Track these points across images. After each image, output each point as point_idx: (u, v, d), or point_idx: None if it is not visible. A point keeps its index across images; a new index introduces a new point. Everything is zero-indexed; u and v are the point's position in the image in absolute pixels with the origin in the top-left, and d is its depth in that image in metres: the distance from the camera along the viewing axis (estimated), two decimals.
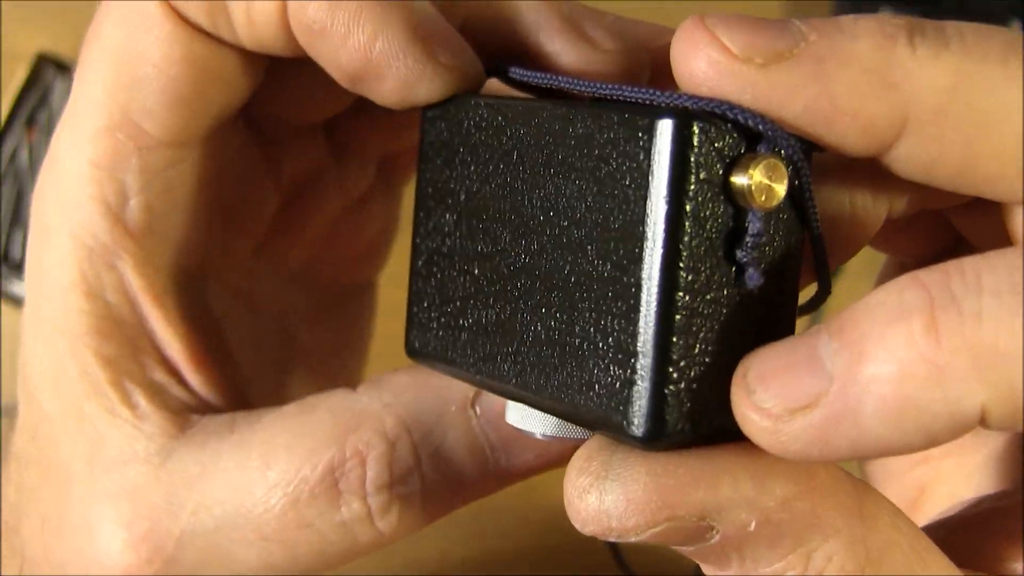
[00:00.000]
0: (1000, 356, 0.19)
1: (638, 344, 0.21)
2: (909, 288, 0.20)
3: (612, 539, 0.22)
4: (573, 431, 0.25)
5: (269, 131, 0.32)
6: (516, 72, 0.26)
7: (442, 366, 0.26)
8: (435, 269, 0.26)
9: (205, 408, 0.29)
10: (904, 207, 0.25)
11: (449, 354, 0.25)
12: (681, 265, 0.21)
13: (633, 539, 0.22)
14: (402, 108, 0.26)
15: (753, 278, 0.22)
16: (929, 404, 0.20)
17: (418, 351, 0.26)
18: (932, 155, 0.21)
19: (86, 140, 0.27)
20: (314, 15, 0.25)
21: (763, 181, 0.21)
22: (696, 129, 0.21)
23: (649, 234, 0.21)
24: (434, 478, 0.27)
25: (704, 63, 0.21)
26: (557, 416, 0.24)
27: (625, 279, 0.21)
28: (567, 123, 0.23)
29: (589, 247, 0.22)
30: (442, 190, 0.26)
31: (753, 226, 0.22)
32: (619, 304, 0.21)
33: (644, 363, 0.21)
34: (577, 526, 0.22)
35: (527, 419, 0.25)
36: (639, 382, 0.21)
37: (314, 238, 0.34)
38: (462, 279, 0.25)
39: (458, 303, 0.25)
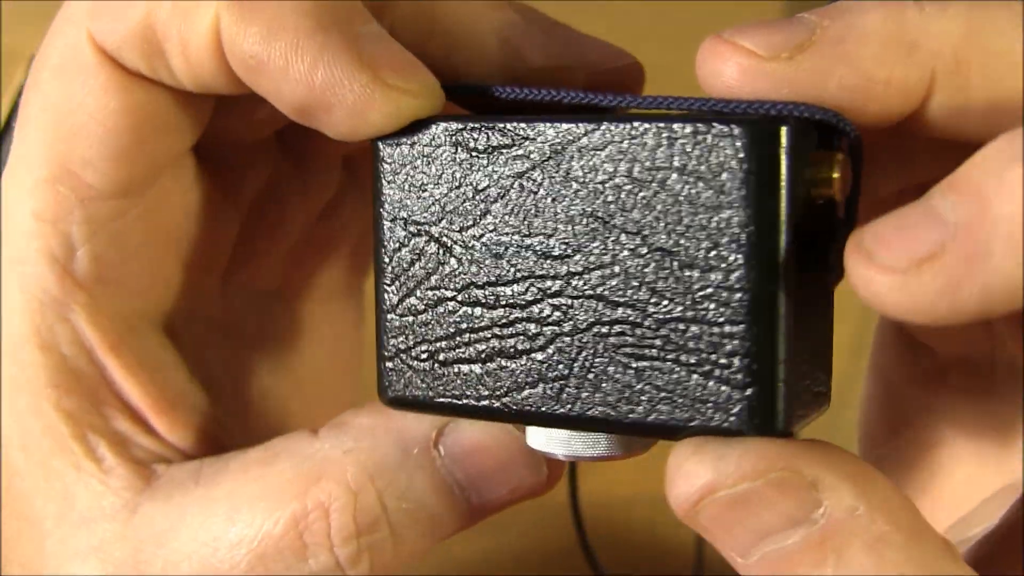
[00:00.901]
0: None
1: (748, 348, 0.22)
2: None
3: (721, 495, 0.22)
4: (601, 449, 0.25)
5: (220, 155, 0.31)
6: (500, 90, 0.26)
7: (447, 408, 0.25)
8: (427, 305, 0.25)
9: (174, 454, 0.29)
10: (890, 184, 0.26)
11: (461, 392, 0.25)
12: (782, 266, 0.22)
13: (742, 488, 0.22)
14: (357, 139, 0.25)
15: (834, 270, 0.23)
16: None
17: (406, 398, 0.25)
18: (961, 103, 0.23)
19: (27, 193, 0.27)
20: (250, 49, 0.24)
21: (840, 175, 0.22)
22: (784, 132, 0.21)
23: (750, 240, 0.22)
24: (403, 522, 0.26)
25: (735, 70, 0.22)
26: (640, 433, 0.24)
27: (727, 285, 0.22)
28: (622, 139, 0.23)
29: (670, 259, 0.22)
30: (424, 221, 0.25)
31: (835, 220, 0.23)
32: (721, 310, 0.22)
33: (756, 366, 0.22)
34: (680, 483, 0.22)
35: (552, 442, 0.25)
36: (753, 386, 0.22)
37: (284, 252, 0.34)
38: (475, 311, 0.24)
39: (471, 336, 0.24)
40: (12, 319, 0.27)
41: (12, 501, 0.28)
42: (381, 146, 0.25)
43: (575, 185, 0.23)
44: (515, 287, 0.24)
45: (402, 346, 0.25)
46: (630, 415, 0.23)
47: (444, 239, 0.25)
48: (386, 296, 0.25)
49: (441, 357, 0.25)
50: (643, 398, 0.23)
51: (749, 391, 0.22)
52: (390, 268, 0.25)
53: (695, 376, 0.22)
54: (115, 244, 0.28)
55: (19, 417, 0.28)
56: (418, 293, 0.25)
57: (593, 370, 0.23)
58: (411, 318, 0.25)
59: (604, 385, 0.23)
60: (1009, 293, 0.20)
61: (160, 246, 0.29)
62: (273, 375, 0.34)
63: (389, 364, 0.25)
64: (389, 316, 0.25)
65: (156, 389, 0.29)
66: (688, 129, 0.22)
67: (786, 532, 0.22)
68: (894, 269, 0.20)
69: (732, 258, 0.22)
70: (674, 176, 0.22)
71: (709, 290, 0.22)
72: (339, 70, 0.24)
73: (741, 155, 0.22)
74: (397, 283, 0.25)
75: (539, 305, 0.24)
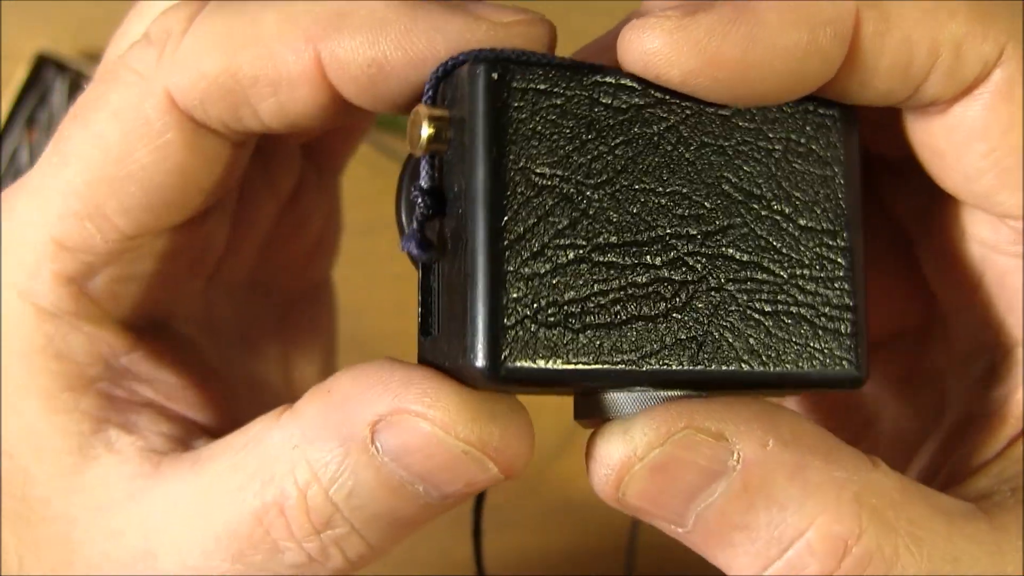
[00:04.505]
0: None
1: (856, 300, 0.25)
2: None
3: (637, 468, 0.23)
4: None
5: None
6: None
7: (575, 377, 0.23)
8: (556, 266, 0.23)
9: (197, 431, 0.29)
10: None
11: (593, 358, 0.23)
12: (861, 228, 0.25)
13: (654, 455, 0.23)
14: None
15: None
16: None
17: (523, 370, 0.23)
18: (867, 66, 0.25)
19: (54, 216, 0.27)
20: (364, 57, 0.24)
21: None
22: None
23: (847, 203, 0.25)
24: (361, 518, 0.25)
25: (659, 34, 0.23)
26: (764, 387, 0.25)
27: (832, 245, 0.25)
28: (740, 111, 0.24)
29: (788, 221, 0.25)
30: (554, 175, 0.23)
31: None
32: (829, 267, 0.25)
33: (858, 316, 0.25)
34: (598, 469, 0.24)
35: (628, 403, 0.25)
36: (856, 334, 0.25)
37: (255, 247, 0.33)
38: (610, 271, 0.23)
39: (605, 298, 0.23)
40: (19, 328, 0.27)
41: (30, 508, 0.28)
42: (508, 96, 0.23)
43: (715, 146, 0.24)
44: (653, 246, 0.24)
45: (527, 312, 0.23)
46: (759, 369, 0.24)
47: (576, 195, 0.23)
48: (507, 258, 0.23)
49: (572, 322, 0.23)
50: (769, 353, 0.24)
51: (856, 340, 0.25)
52: (514, 227, 0.23)
53: (812, 329, 0.24)
54: (129, 268, 0.28)
55: (31, 423, 0.28)
56: (547, 253, 0.23)
57: (725, 328, 0.24)
58: (536, 281, 0.23)
59: (736, 343, 0.24)
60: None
61: (165, 260, 0.29)
62: (258, 366, 0.34)
63: (511, 334, 0.23)
64: (512, 280, 0.23)
65: (175, 374, 0.29)
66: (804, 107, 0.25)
67: (710, 488, 0.23)
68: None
69: (836, 218, 0.25)
70: (794, 146, 0.25)
71: (819, 249, 0.25)
72: (453, 32, 0.24)
73: (834, 132, 0.25)
74: (522, 243, 0.23)
75: (677, 264, 0.24)
